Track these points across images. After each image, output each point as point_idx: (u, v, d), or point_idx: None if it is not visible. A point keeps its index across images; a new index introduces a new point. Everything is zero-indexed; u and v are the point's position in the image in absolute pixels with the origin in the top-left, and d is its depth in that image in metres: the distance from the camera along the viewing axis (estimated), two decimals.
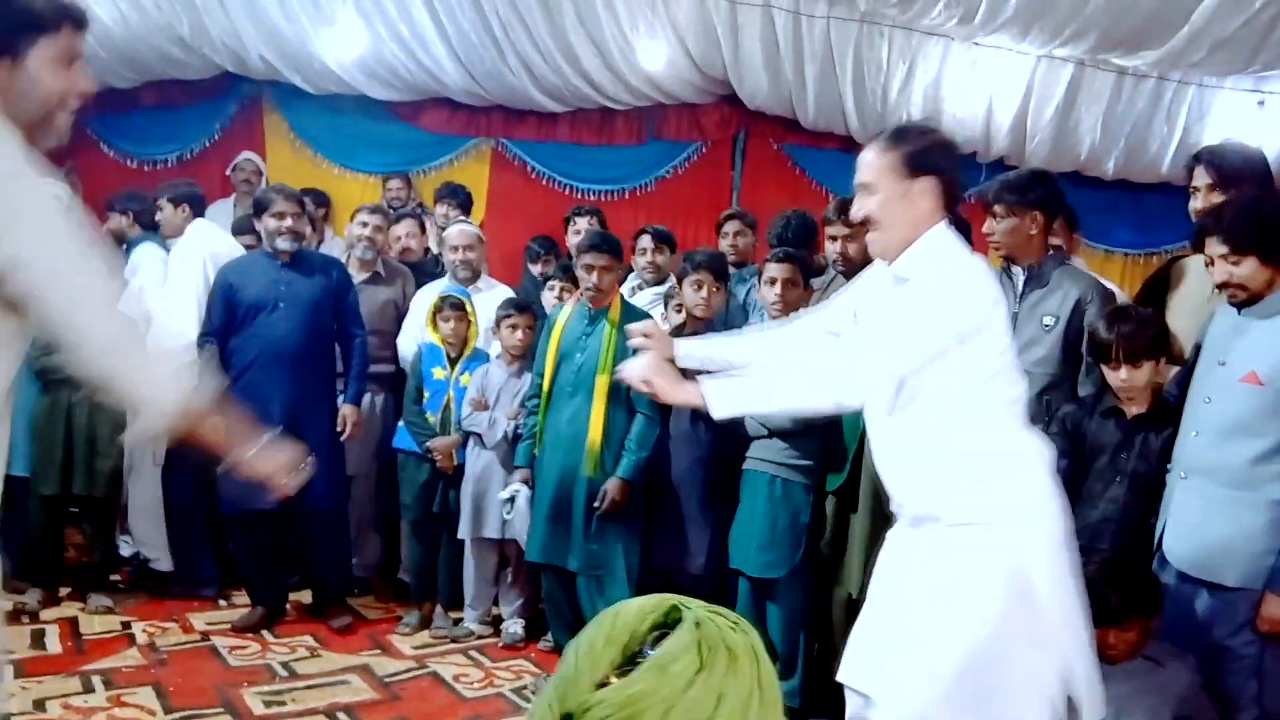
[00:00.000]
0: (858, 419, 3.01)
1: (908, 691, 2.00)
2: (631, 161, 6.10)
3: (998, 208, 2.91)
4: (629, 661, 0.87)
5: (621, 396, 3.44)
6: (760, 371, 2.19)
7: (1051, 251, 2.98)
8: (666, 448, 3.50)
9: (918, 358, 2.01)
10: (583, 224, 4.62)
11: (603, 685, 0.85)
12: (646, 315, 3.68)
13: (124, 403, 1.68)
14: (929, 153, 2.10)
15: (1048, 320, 2.85)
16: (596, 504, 3.40)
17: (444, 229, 4.60)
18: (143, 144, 6.21)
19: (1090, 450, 2.71)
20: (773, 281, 3.33)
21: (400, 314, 4.33)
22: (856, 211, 2.15)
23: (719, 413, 2.02)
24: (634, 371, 2.10)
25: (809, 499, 3.23)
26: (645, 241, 4.20)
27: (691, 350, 2.36)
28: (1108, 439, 2.69)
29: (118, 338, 1.61)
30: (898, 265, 2.11)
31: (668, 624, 0.91)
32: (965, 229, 3.59)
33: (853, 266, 3.28)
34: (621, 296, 3.68)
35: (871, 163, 2.11)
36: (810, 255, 3.81)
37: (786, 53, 5.16)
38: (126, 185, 5.14)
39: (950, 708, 1.96)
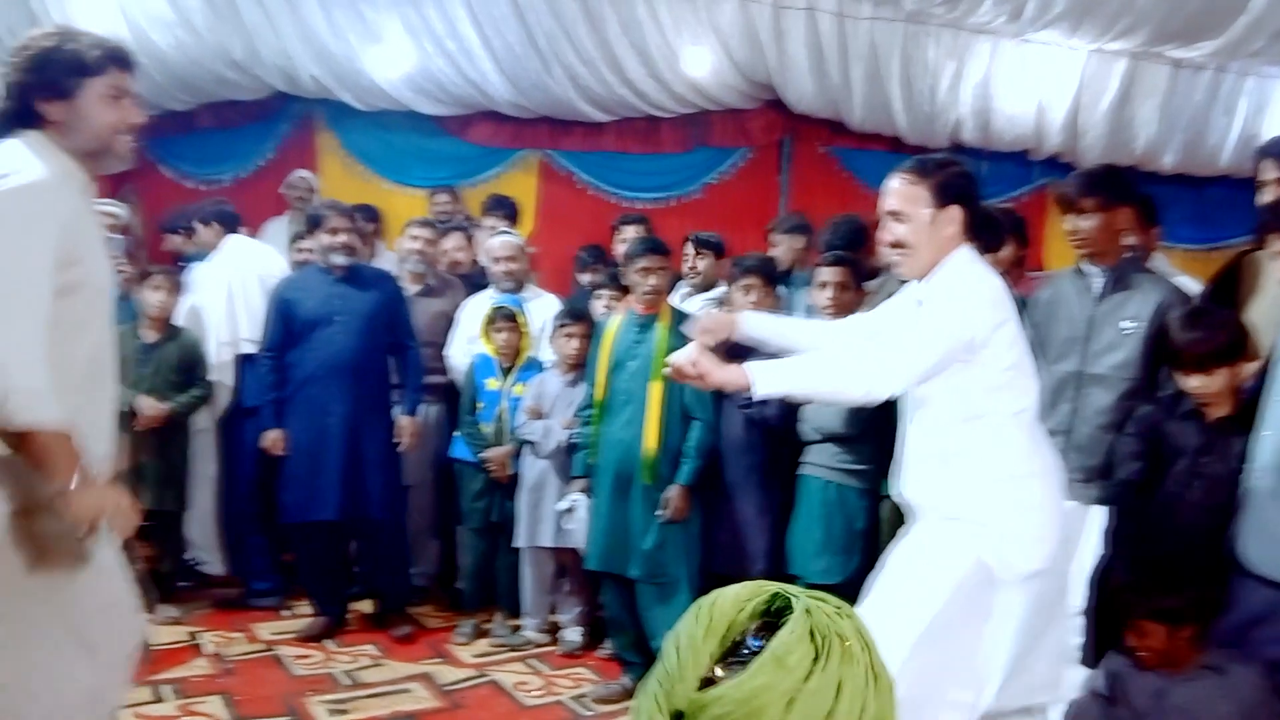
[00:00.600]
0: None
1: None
2: (678, 169, 6.10)
3: (1086, 203, 2.82)
4: (731, 652, 0.86)
5: (676, 403, 3.45)
6: (803, 358, 2.39)
7: (1130, 253, 2.89)
8: (723, 453, 3.49)
9: (934, 358, 2.22)
10: (630, 232, 4.63)
11: (708, 680, 0.84)
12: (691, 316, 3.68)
13: None
14: (955, 184, 2.32)
15: (1127, 325, 2.77)
16: (659, 512, 3.39)
17: None
18: (200, 165, 6.35)
19: (1169, 453, 2.62)
20: (824, 285, 3.34)
21: (452, 325, 4.38)
22: (886, 236, 2.34)
23: (761, 390, 2.21)
24: (682, 357, 2.24)
25: (864, 504, 3.21)
26: (688, 248, 4.21)
27: (757, 325, 2.57)
28: (1187, 442, 2.58)
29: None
30: (923, 288, 2.33)
31: (768, 612, 0.89)
32: (1020, 224, 3.56)
33: None
34: (670, 303, 3.68)
35: (902, 192, 2.31)
36: (863, 258, 3.79)
37: (832, 55, 5.14)
38: (185, 205, 5.25)
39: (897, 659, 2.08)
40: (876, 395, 2.24)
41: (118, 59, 2.00)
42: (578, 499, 3.59)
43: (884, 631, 2.03)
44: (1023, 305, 3.12)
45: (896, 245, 2.33)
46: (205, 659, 3.64)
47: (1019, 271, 3.64)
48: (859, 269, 3.45)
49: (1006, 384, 2.29)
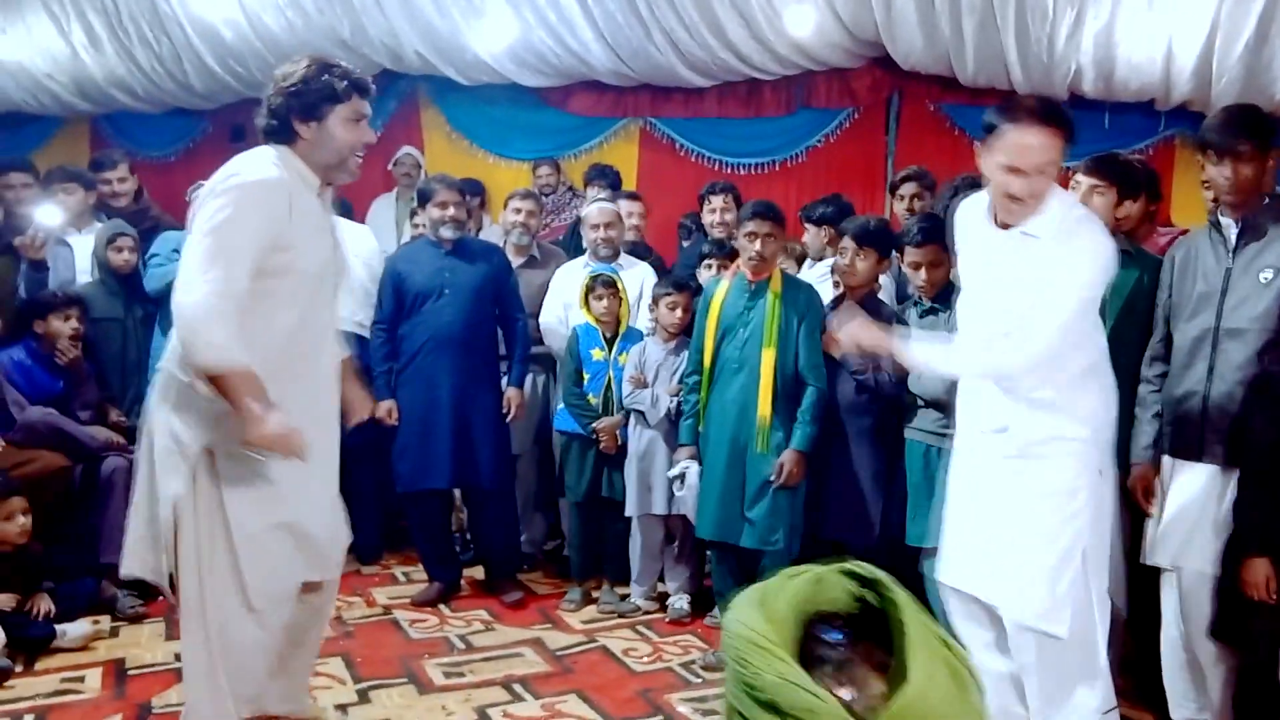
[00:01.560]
0: None
1: (1030, 592, 2.36)
2: (781, 133, 5.98)
3: (1242, 147, 2.60)
4: (811, 654, 0.89)
5: (789, 370, 3.43)
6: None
7: (1269, 200, 2.69)
8: (837, 419, 3.44)
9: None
10: (718, 201, 4.55)
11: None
12: (809, 288, 3.62)
13: None
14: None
15: (1265, 275, 2.59)
16: (773, 477, 3.38)
17: None
18: None
19: None
20: (916, 266, 3.27)
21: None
22: (1028, 191, 2.31)
23: (912, 359, 2.49)
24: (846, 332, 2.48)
25: None
26: (810, 224, 4.14)
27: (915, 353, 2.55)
28: None
29: None
30: (1029, 225, 2.36)
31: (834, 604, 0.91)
32: (1154, 178, 3.37)
33: None
34: (783, 270, 3.62)
35: (1051, 146, 2.30)
36: None
37: (943, 7, 4.92)
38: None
39: (1064, 600, 2.35)
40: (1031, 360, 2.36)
41: (359, 88, 2.40)
42: (689, 465, 3.58)
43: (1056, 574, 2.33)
44: (1153, 263, 2.97)
45: (1026, 198, 2.33)
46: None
47: (1150, 227, 3.46)
48: None
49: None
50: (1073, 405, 2.40)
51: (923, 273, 3.27)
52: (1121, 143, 5.10)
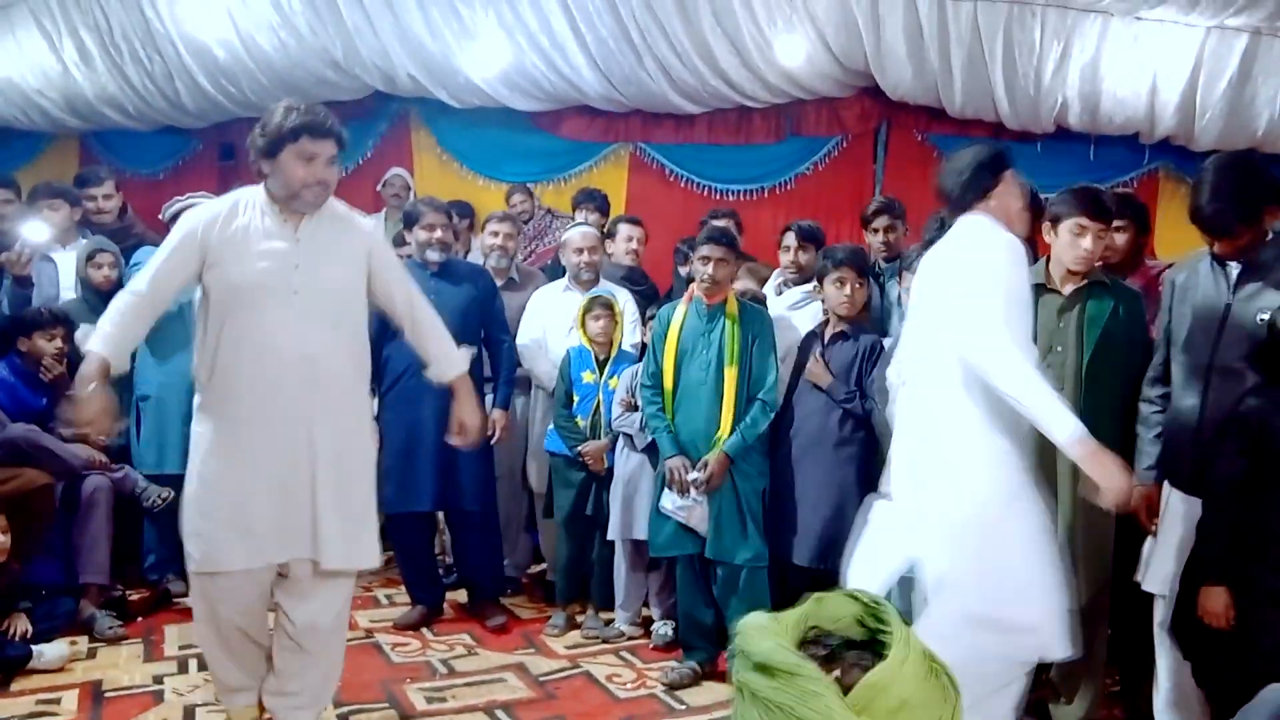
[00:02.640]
0: None
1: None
2: (770, 160, 6.03)
3: (1239, 230, 2.62)
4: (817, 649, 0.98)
5: (745, 391, 3.51)
6: None
7: (1272, 238, 2.69)
8: (824, 447, 3.51)
9: None
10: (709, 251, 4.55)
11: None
12: (762, 311, 3.67)
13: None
14: None
15: (1262, 316, 2.59)
16: (695, 476, 3.45)
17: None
18: None
19: (1277, 448, 2.48)
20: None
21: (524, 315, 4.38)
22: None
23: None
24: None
25: None
26: (790, 239, 4.14)
27: None
28: None
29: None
30: None
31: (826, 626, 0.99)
32: (1143, 212, 3.40)
33: None
34: (737, 295, 3.67)
35: None
36: None
37: (931, 40, 5.00)
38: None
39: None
40: None
41: (312, 129, 2.61)
42: (697, 476, 3.49)
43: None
44: (1128, 295, 2.99)
45: None
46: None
47: (1138, 259, 3.47)
48: None
49: None
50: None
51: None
52: (1106, 175, 5.17)
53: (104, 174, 4.91)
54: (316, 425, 2.69)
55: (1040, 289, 3.01)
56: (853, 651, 0.95)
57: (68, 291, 4.37)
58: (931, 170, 5.64)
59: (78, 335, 2.68)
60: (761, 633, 0.93)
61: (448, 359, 2.96)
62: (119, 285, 4.23)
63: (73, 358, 4.02)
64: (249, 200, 2.68)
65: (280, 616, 2.81)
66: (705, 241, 3.58)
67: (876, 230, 4.27)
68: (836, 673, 0.93)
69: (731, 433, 3.47)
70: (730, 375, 3.51)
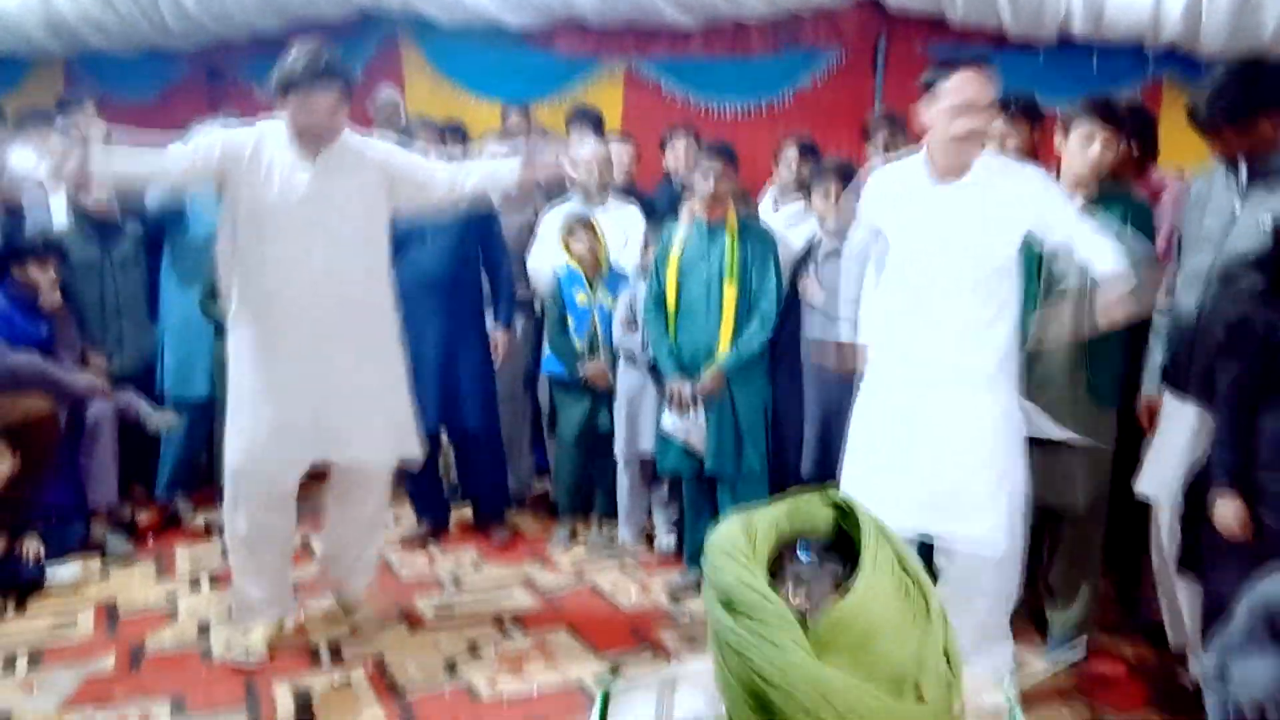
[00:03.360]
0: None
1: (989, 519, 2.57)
2: (768, 75, 5.91)
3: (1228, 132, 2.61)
4: (778, 570, 0.88)
5: (748, 307, 3.51)
6: None
7: None
8: (808, 361, 3.52)
9: None
10: (680, 144, 4.51)
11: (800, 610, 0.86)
12: (763, 228, 3.64)
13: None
14: None
15: (1265, 220, 2.56)
16: (697, 386, 3.48)
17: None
18: None
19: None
20: None
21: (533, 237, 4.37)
22: (980, 127, 2.56)
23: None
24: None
25: None
26: (790, 152, 4.09)
27: None
28: None
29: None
30: (969, 176, 2.61)
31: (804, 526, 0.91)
32: (1149, 121, 3.35)
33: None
34: (739, 212, 3.64)
35: (990, 86, 2.56)
36: None
37: None
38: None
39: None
40: None
41: (312, 78, 2.80)
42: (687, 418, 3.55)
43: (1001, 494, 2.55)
44: (1135, 205, 2.97)
45: (979, 134, 2.59)
46: (318, 563, 3.80)
47: (1140, 170, 3.44)
48: None
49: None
50: (1006, 338, 2.65)
51: None
52: (1109, 85, 5.08)
53: (85, 98, 4.82)
54: (343, 336, 2.94)
55: None
56: (826, 568, 0.88)
57: (59, 220, 4.34)
58: None
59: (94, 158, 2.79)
60: (727, 559, 0.89)
61: (505, 167, 3.23)
62: (114, 212, 4.22)
63: (67, 287, 4.01)
64: (273, 131, 2.90)
65: (326, 517, 3.25)
66: (707, 155, 3.56)
67: (877, 142, 4.21)
68: (802, 597, 0.87)
69: (730, 349, 3.49)
70: (729, 292, 3.51)
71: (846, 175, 3.51)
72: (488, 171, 3.24)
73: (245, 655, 3.01)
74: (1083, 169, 2.93)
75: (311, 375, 2.91)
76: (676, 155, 4.50)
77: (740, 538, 0.90)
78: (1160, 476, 2.82)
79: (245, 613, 3.08)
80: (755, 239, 3.56)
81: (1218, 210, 2.71)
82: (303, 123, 2.85)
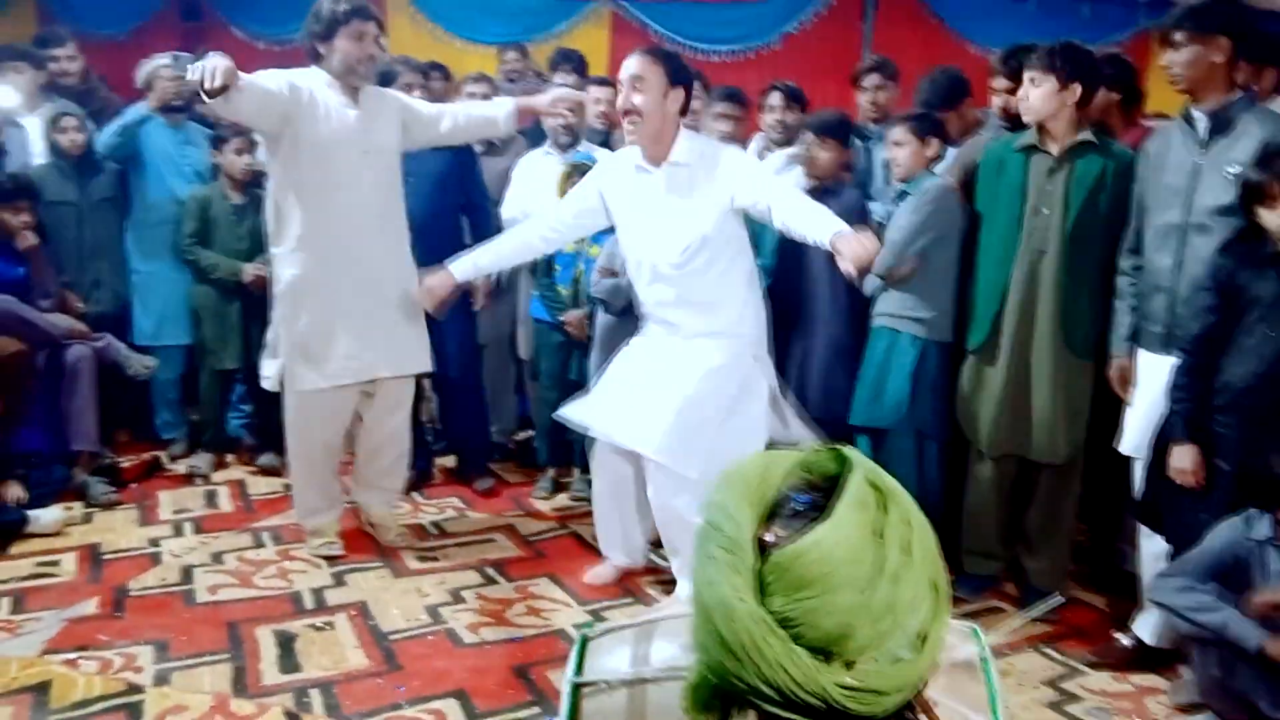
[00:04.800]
0: (997, 276, 2.95)
1: (657, 423, 2.87)
2: (756, 19, 5.85)
3: (1177, 36, 2.64)
4: (775, 514, 0.85)
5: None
6: None
7: (1241, 95, 2.68)
8: (810, 305, 3.50)
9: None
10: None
11: (763, 543, 0.82)
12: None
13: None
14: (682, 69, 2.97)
15: (1231, 170, 2.58)
16: None
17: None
18: (269, 25, 6.29)
19: (1244, 303, 2.51)
20: (897, 144, 3.29)
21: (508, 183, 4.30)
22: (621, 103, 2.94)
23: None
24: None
25: (917, 353, 3.23)
26: (774, 99, 4.03)
27: None
28: (1265, 290, 2.47)
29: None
30: (674, 156, 2.94)
31: (805, 470, 0.88)
32: (1131, 72, 3.33)
33: (1014, 120, 3.22)
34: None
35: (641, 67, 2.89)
36: (962, 113, 3.64)
37: None
38: (255, 66, 5.22)
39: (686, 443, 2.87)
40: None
41: (359, 12, 3.10)
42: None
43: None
44: (1120, 155, 2.96)
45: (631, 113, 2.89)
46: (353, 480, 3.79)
47: (1127, 120, 3.43)
48: (939, 128, 3.29)
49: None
50: (736, 306, 3.00)
51: (898, 152, 3.28)
52: (1099, 34, 5.05)
53: (64, 34, 4.70)
54: (386, 262, 3.27)
55: (1031, 150, 2.99)
56: (810, 512, 0.86)
57: (39, 159, 4.26)
58: (921, 29, 5.56)
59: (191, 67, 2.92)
60: (725, 484, 0.87)
61: (497, 107, 3.51)
62: (88, 149, 4.15)
63: (42, 227, 3.94)
64: (308, 78, 3.15)
65: (361, 433, 3.49)
66: (723, 99, 3.58)
67: (866, 89, 4.15)
68: (774, 535, 0.85)
69: None
70: None
71: (841, 128, 3.47)
72: (487, 111, 3.43)
73: (328, 548, 3.41)
74: (1023, 113, 2.97)
75: (365, 300, 3.23)
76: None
77: (752, 470, 0.88)
78: (1135, 436, 2.85)
79: (310, 516, 3.47)
80: None
81: (1178, 166, 2.72)
82: (355, 57, 3.11)
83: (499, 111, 3.41)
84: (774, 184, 2.97)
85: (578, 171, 3.86)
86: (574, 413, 3.11)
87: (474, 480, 4.13)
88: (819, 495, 0.84)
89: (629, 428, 2.95)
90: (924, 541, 0.84)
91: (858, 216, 3.33)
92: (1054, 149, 2.95)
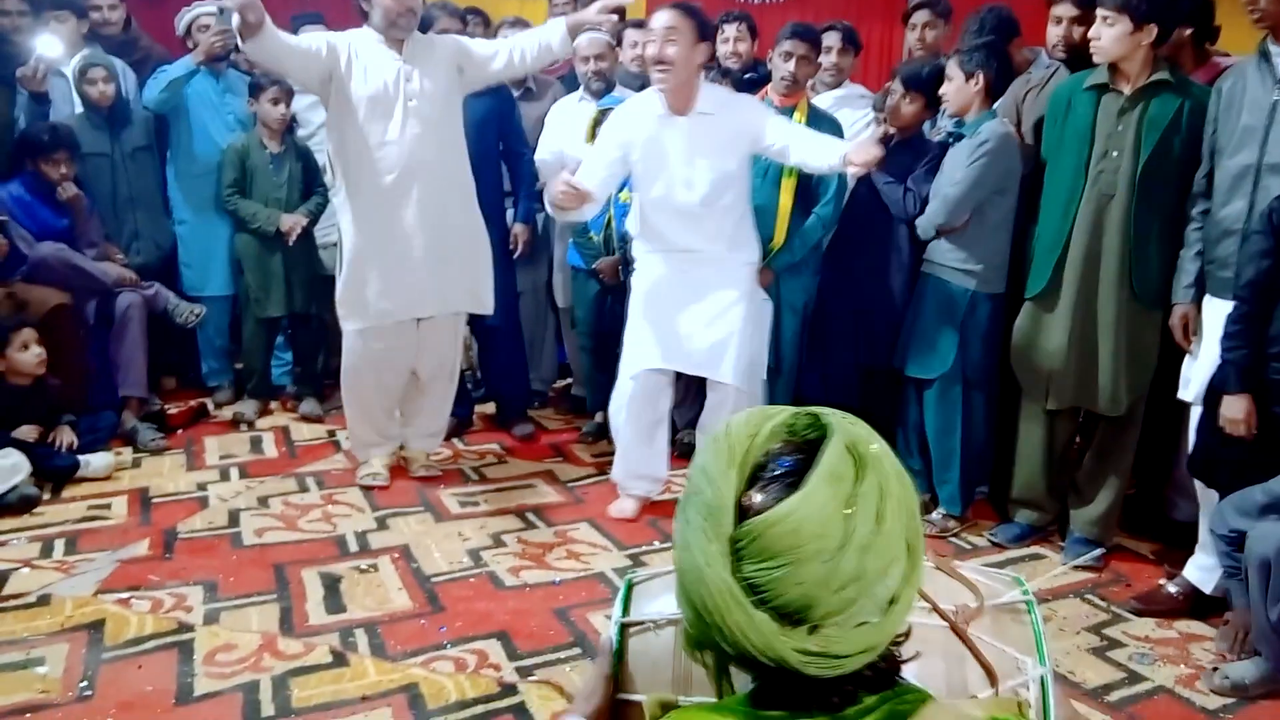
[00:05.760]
0: (1061, 223, 2.87)
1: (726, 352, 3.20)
2: None
3: None
4: (757, 477, 0.86)
5: (806, 199, 3.47)
6: None
7: None
8: (874, 252, 3.45)
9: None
10: (731, 31, 4.32)
11: (744, 507, 0.84)
12: (834, 122, 3.54)
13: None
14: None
15: None
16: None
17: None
18: None
19: None
20: (947, 78, 3.20)
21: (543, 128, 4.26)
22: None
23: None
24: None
25: (967, 304, 3.16)
26: (832, 39, 3.94)
27: None
28: None
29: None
30: (700, 106, 3.14)
31: (790, 432, 0.89)
32: (1206, 4, 3.16)
33: (1074, 53, 3.11)
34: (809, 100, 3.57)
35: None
36: (1011, 53, 3.52)
37: None
38: (294, 16, 5.20)
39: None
40: None
41: None
42: None
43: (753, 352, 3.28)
44: (1198, 93, 2.84)
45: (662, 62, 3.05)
46: (344, 454, 3.87)
47: (1198, 57, 3.25)
48: (987, 63, 3.15)
49: None
50: (746, 234, 3.27)
51: (948, 89, 3.19)
52: None
53: None
54: (440, 208, 3.35)
55: (1102, 89, 2.89)
56: (797, 474, 0.86)
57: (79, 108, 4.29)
58: None
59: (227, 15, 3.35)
60: (714, 444, 0.89)
61: (550, 32, 3.45)
62: (118, 100, 4.16)
63: (79, 179, 3.97)
64: (355, 36, 3.30)
65: (414, 375, 3.58)
66: (791, 36, 3.49)
67: (915, 26, 4.00)
68: (756, 500, 0.84)
69: (784, 245, 3.45)
70: (787, 185, 3.46)
71: (913, 80, 3.32)
72: (540, 37, 3.43)
73: (372, 479, 3.56)
74: (1100, 55, 2.84)
75: (414, 244, 3.33)
76: (727, 42, 4.31)
77: (741, 431, 0.88)
78: (1197, 383, 2.78)
79: (361, 448, 3.64)
80: (825, 128, 3.42)
81: (1254, 105, 2.61)
82: (395, 11, 3.21)
83: (552, 37, 3.41)
84: (789, 126, 3.22)
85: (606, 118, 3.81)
86: (638, 360, 3.28)
87: (513, 426, 4.15)
88: (801, 459, 0.86)
89: (701, 361, 3.23)
90: (902, 504, 0.85)
91: (930, 169, 3.26)
92: (1126, 89, 2.84)
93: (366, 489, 3.53)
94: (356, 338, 3.45)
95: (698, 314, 3.21)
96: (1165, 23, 2.79)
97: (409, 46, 3.31)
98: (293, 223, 4.08)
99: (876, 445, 0.87)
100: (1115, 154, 2.85)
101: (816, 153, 3.04)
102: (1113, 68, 2.85)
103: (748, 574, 0.81)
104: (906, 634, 0.90)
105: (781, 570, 0.80)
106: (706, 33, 3.16)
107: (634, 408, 3.30)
